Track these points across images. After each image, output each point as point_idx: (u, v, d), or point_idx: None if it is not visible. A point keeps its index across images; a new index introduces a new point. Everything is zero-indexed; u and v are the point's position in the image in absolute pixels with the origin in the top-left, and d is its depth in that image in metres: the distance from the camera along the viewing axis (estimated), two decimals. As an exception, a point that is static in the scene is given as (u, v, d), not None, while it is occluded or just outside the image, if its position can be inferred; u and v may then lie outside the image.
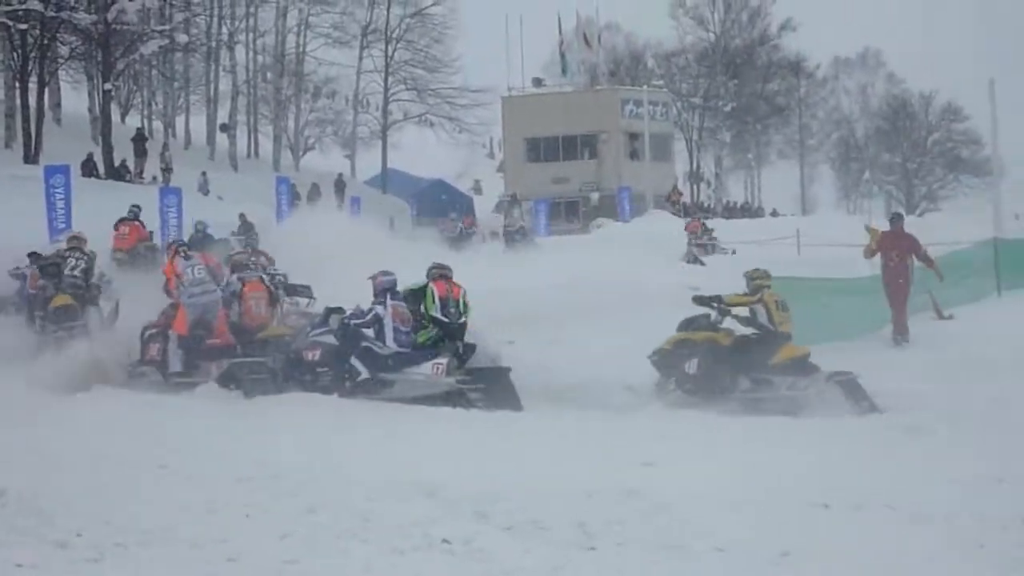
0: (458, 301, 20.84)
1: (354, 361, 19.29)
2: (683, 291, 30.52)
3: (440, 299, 20.49)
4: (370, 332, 19.54)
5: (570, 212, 68.37)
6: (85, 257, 24.08)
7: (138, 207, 33.44)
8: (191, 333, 20.54)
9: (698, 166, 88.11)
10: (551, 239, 52.08)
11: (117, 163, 54.84)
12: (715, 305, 19.60)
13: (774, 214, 74.13)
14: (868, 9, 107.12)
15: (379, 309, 19.71)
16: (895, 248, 24.23)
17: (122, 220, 32.59)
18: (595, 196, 69.45)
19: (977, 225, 45.04)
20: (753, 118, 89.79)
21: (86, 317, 22.95)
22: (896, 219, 25.47)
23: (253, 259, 22.11)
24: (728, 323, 19.72)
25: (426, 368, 19.20)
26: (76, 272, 23.53)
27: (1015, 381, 19.27)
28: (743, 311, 19.53)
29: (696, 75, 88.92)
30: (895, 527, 11.07)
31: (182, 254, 21.45)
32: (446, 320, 20.38)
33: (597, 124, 72.19)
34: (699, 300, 19.83)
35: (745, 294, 19.59)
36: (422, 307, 20.43)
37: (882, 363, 21.70)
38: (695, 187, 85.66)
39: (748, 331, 19.47)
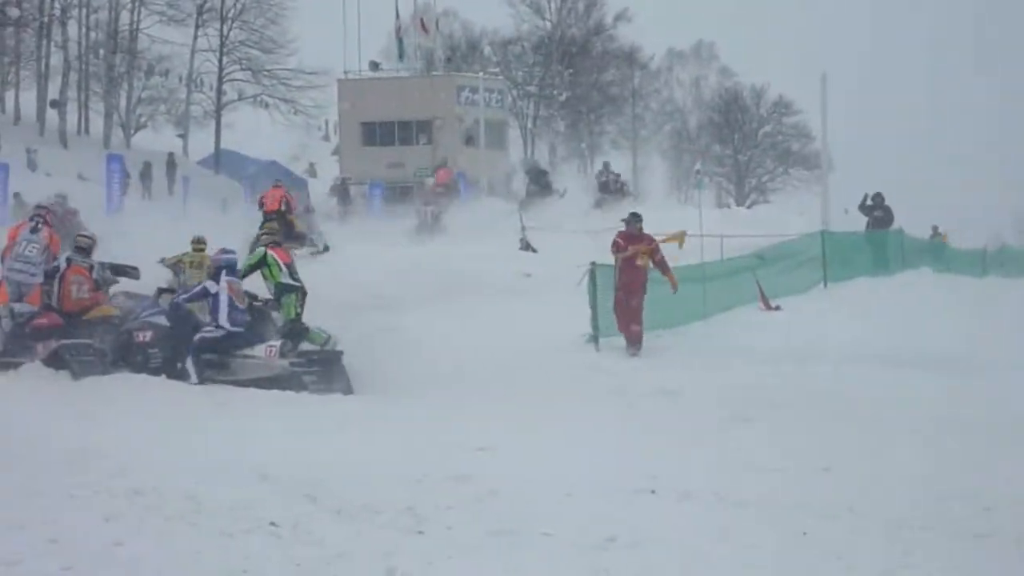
0: (294, 266, 20.89)
1: (188, 365, 19.04)
2: (517, 278, 30.87)
3: (286, 264, 20.53)
4: (205, 317, 19.36)
5: (405, 197, 68.13)
6: None
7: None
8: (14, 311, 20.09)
9: (533, 154, 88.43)
10: (386, 222, 51.81)
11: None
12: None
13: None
14: (702, 2, 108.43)
15: (209, 284, 19.52)
16: (625, 241, 22.63)
17: None
18: (430, 181, 69.33)
19: (806, 218, 45.86)
20: (587, 108, 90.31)
21: None
22: (633, 219, 23.07)
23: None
24: None
25: (260, 350, 19.11)
26: None
27: (838, 371, 19.67)
28: None
29: (532, 64, 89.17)
30: (720, 514, 11.25)
31: (33, 224, 20.94)
32: (298, 284, 20.42)
33: (433, 110, 72.09)
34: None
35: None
36: (265, 275, 20.41)
37: (703, 349, 22.04)
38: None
39: None
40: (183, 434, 14.33)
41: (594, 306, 22.60)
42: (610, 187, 48.81)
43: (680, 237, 23.90)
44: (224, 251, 20.28)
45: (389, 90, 72.65)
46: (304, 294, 20.86)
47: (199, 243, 24.66)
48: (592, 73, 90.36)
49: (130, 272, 21.91)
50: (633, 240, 22.69)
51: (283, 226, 29.12)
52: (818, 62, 65.32)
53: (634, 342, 22.21)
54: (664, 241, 23.57)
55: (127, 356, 19.22)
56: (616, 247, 22.67)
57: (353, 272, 28.93)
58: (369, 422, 15.83)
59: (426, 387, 19.05)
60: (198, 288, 19.62)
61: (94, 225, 24.75)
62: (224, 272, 19.65)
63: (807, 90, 64.52)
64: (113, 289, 21.60)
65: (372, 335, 22.37)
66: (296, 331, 19.83)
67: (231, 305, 19.35)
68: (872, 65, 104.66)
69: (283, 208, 32.70)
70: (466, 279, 28.85)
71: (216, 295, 19.37)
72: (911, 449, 14.40)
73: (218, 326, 19.23)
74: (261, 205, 33.27)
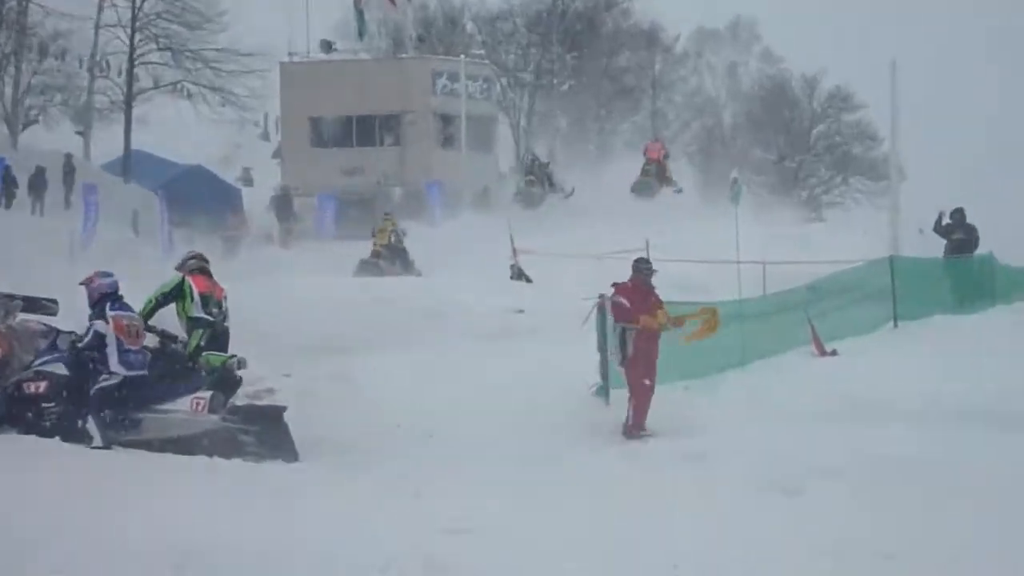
0: (220, 302, 20.87)
1: (90, 424, 19.10)
2: (506, 314, 30.93)
3: (200, 295, 20.52)
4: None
5: (365, 212, 68.10)
6: None
7: None
8: None
9: (527, 155, 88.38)
10: (342, 245, 51.93)
11: None
12: None
13: None
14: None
15: (99, 325, 19.53)
16: (643, 309, 21.77)
17: None
18: (397, 192, 69.44)
19: (871, 240, 45.94)
20: (596, 101, 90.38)
21: None
22: (646, 269, 22.37)
23: None
24: None
25: (183, 403, 19.18)
26: None
27: (908, 432, 19.71)
28: None
29: (527, 44, 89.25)
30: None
31: None
32: (211, 319, 20.43)
33: (401, 102, 72.07)
34: None
35: None
36: (178, 308, 20.48)
37: (739, 404, 22.10)
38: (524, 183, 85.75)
39: None
40: (85, 512, 14.35)
41: (603, 349, 22.62)
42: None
43: (708, 320, 22.84)
44: (102, 274, 20.20)
45: (346, 77, 72.66)
46: (222, 333, 20.82)
47: (388, 216, 47.25)
48: (602, 57, 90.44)
49: (46, 306, 21.92)
50: (641, 298, 21.90)
51: (660, 169, 53.79)
52: (886, 45, 65.62)
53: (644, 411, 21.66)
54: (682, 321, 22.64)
55: (15, 413, 19.27)
56: (620, 312, 21.79)
57: (299, 307, 28.99)
58: (319, 496, 15.89)
59: (391, 452, 19.15)
60: (90, 335, 19.60)
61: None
62: (109, 304, 19.66)
63: (872, 80, 64.65)
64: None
65: (324, 386, 22.51)
66: (230, 380, 19.90)
67: (120, 346, 19.41)
68: (954, 48, 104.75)
69: (662, 157, 52.65)
70: (442, 316, 28.96)
71: (104, 336, 19.44)
72: (997, 530, 14.46)
73: (111, 372, 19.31)
74: (645, 152, 53.66)
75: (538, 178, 59.83)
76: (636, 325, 21.60)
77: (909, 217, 47.49)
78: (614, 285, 22.16)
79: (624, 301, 21.74)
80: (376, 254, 44.50)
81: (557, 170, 63.35)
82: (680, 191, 57.25)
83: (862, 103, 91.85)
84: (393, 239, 45.16)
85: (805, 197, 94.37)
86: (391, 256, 44.36)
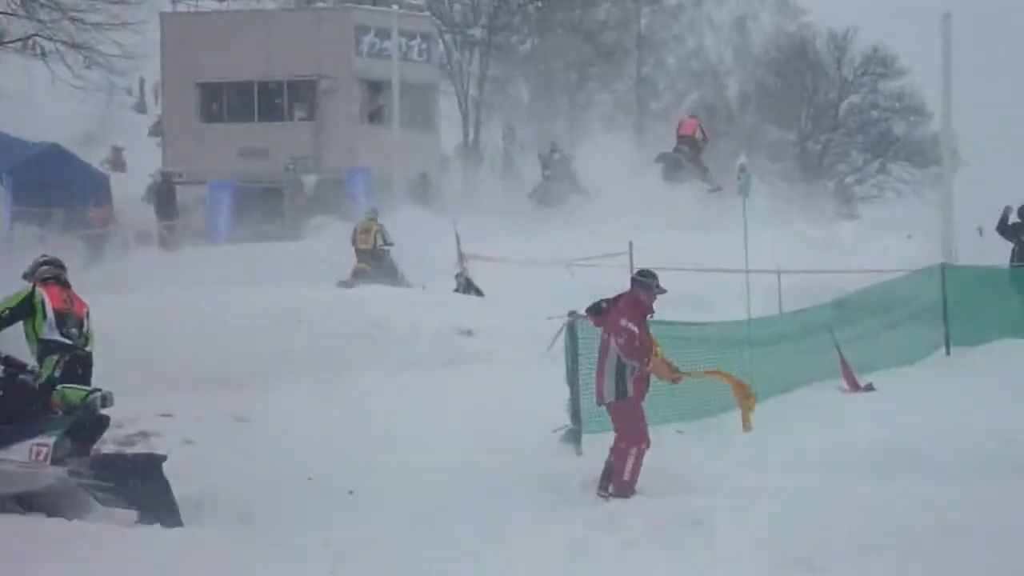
0: (81, 321, 20.73)
1: None
2: (451, 336, 30.96)
3: (55, 312, 20.35)
4: None
5: (270, 204, 68.16)
6: None
7: None
8: None
9: (476, 137, 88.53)
10: (240, 247, 52.03)
11: None
12: None
13: None
14: None
15: None
16: (648, 342, 21.23)
17: None
18: (311, 180, 69.43)
19: (916, 243, 46.14)
20: (566, 64, 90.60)
21: None
22: (656, 286, 21.60)
23: None
24: None
25: (19, 451, 19.06)
26: None
27: (966, 489, 19.73)
28: None
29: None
30: None
31: None
32: (68, 341, 20.29)
33: (317, 65, 72.10)
34: None
35: None
36: (27, 328, 20.35)
37: (747, 453, 22.13)
38: (473, 170, 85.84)
39: None
40: None
41: (574, 382, 22.59)
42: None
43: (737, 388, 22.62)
44: None
45: (245, 32, 72.63)
46: (82, 360, 20.70)
47: (372, 212, 47.72)
48: (574, 9, 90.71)
49: None
50: (644, 318, 21.31)
51: (694, 152, 56.17)
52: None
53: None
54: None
55: None
56: (630, 344, 21.01)
57: (184, 327, 28.96)
58: (209, 571, 15.82)
59: (300, 514, 19.10)
60: None
61: None
62: None
63: (919, 38, 64.86)
64: None
65: (215, 428, 22.47)
66: (92, 421, 19.77)
67: None
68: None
69: (697, 136, 56.79)
70: (368, 339, 28.98)
71: None
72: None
73: None
74: (679, 128, 58.07)
75: (558, 174, 60.72)
76: (647, 368, 21.15)
77: (966, 214, 47.65)
78: (609, 302, 21.49)
79: (636, 329, 21.07)
80: (361, 272, 44.52)
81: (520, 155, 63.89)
82: (718, 190, 55.75)
83: (906, 68, 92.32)
84: (379, 241, 45.96)
85: (832, 188, 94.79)
86: (380, 273, 44.22)
